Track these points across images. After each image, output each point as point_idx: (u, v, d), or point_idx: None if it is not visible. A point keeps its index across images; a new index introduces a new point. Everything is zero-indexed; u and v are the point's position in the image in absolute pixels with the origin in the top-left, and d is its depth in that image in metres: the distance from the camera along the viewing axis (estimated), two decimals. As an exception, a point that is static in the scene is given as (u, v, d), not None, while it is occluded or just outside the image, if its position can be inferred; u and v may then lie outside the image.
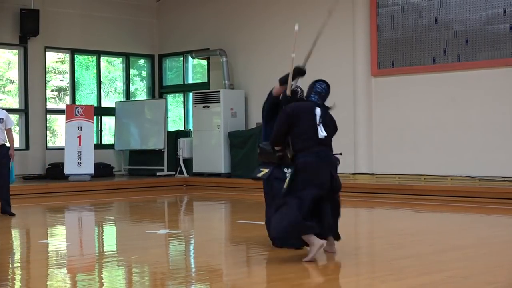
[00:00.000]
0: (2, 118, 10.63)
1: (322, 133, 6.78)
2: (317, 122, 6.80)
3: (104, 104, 18.46)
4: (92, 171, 16.04)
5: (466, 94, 13.85)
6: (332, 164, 6.90)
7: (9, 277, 6.35)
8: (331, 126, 6.94)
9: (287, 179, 6.76)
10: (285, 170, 7.16)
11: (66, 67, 18.01)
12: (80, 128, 16.08)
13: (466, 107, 13.83)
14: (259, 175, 7.31)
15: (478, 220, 10.36)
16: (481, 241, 8.16)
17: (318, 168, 6.72)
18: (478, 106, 13.68)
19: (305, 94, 7.24)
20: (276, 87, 7.38)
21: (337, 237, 7.21)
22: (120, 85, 18.99)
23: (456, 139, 13.89)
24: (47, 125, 17.43)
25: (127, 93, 18.86)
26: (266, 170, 7.30)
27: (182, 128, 18.51)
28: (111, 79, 19.04)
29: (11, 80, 17.28)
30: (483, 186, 12.82)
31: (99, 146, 17.66)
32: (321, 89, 6.99)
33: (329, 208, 6.91)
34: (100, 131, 18.29)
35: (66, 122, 16.21)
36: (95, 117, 16.91)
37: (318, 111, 6.85)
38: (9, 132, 10.72)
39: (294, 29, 7.33)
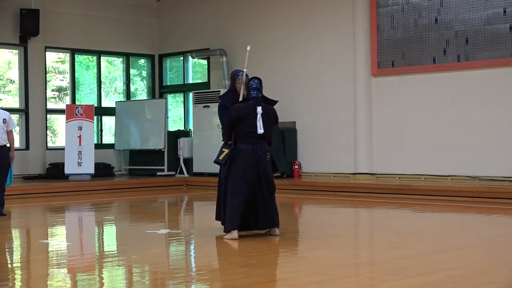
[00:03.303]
0: (5, 119, 10.63)
1: (260, 130, 8.03)
2: (257, 119, 8.01)
3: (104, 104, 18.47)
4: (92, 171, 16.05)
5: (466, 94, 13.85)
6: (264, 161, 8.06)
7: (9, 276, 6.36)
8: (270, 121, 8.17)
9: (225, 154, 8.20)
10: None
11: (66, 67, 18.02)
12: (80, 128, 16.08)
13: (466, 107, 13.84)
14: (220, 157, 8.44)
15: (478, 220, 10.36)
16: (481, 241, 8.16)
17: (250, 162, 8.00)
18: (478, 106, 13.69)
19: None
20: None
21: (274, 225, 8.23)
22: (120, 85, 19.00)
23: (456, 139, 13.90)
24: (48, 125, 17.44)
25: (127, 93, 18.86)
26: (227, 151, 8.45)
27: (182, 128, 18.52)
28: (111, 79, 19.04)
29: (11, 80, 17.29)
30: (483, 186, 12.82)
31: (99, 146, 17.67)
32: (256, 84, 8.22)
33: (262, 201, 8.04)
34: (100, 131, 18.30)
35: (66, 122, 16.22)
36: (95, 117, 16.92)
37: (259, 109, 8.06)
38: (10, 133, 10.71)
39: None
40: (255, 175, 8.04)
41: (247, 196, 8.04)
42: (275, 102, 8.36)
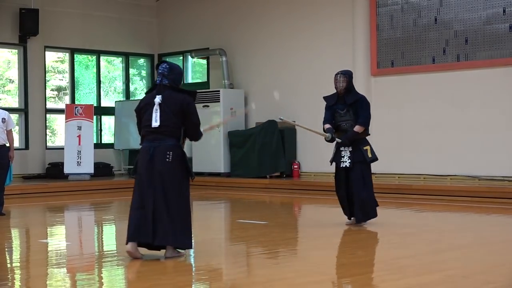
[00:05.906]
0: (4, 118, 10.62)
1: (155, 122, 6.79)
2: (154, 110, 6.81)
3: (104, 103, 18.46)
4: (91, 170, 16.04)
5: (465, 93, 13.85)
6: (162, 162, 6.90)
7: (9, 276, 6.35)
8: (175, 111, 6.82)
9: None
10: (341, 148, 9.34)
11: (66, 66, 18.02)
12: (79, 128, 16.08)
13: (465, 106, 13.83)
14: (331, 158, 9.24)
15: (477, 219, 10.37)
16: (480, 240, 8.16)
17: (144, 163, 6.85)
18: (478, 106, 13.68)
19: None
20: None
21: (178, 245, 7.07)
22: (119, 84, 18.99)
23: (456, 138, 13.89)
24: (47, 124, 17.44)
25: (127, 93, 18.86)
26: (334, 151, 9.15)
27: (181, 127, 18.49)
28: (111, 79, 19.04)
29: (11, 80, 17.28)
30: (483, 185, 12.82)
31: (98, 145, 17.66)
32: (162, 69, 6.93)
33: (158, 213, 6.87)
34: (99, 130, 18.29)
35: (65, 122, 16.21)
36: (94, 117, 16.92)
37: (157, 99, 6.83)
38: (9, 133, 10.71)
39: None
40: (151, 180, 6.84)
41: (140, 205, 6.82)
42: (193, 92, 7.03)
